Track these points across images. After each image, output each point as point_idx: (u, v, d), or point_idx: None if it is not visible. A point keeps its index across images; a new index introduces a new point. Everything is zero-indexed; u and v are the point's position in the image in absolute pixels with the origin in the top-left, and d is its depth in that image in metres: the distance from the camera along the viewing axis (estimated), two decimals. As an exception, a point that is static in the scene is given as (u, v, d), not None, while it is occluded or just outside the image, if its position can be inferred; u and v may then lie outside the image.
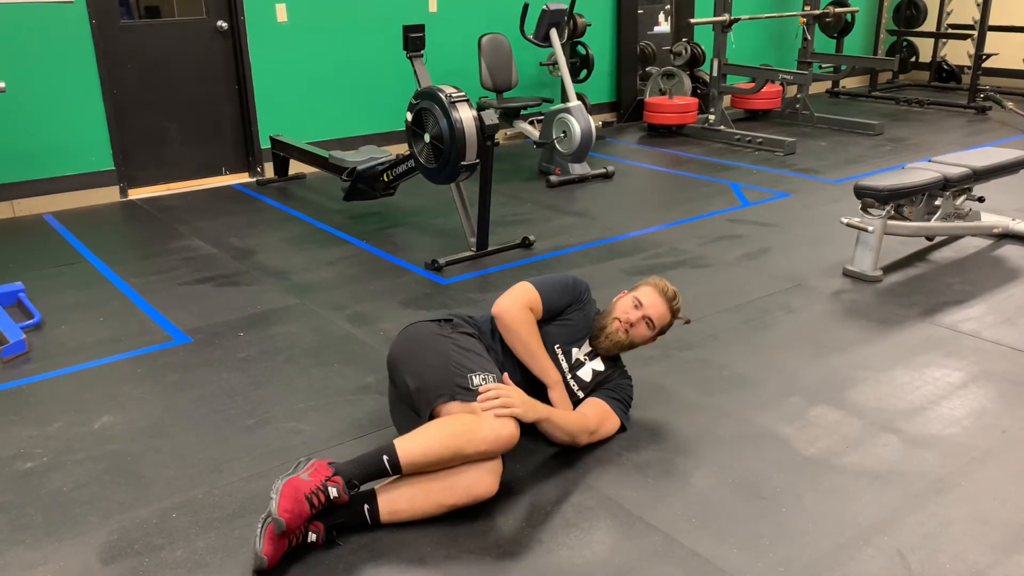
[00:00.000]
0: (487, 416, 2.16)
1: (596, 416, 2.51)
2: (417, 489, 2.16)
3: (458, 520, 2.18)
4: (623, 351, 2.63)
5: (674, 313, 2.62)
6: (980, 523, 2.17)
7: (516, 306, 2.48)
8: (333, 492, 2.05)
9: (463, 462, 2.14)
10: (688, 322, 2.74)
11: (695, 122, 7.28)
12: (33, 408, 2.87)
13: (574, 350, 2.59)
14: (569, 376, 2.57)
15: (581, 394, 2.59)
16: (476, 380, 2.28)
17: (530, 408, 2.27)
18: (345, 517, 2.12)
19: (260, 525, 2.00)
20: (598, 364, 2.62)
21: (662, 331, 2.64)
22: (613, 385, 2.62)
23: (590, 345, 2.62)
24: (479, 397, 2.21)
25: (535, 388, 2.47)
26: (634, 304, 2.58)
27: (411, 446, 2.13)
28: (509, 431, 2.16)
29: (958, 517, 2.20)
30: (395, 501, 2.16)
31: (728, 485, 2.35)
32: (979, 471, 2.40)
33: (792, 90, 7.97)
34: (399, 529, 2.16)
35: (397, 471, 2.13)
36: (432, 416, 2.25)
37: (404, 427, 2.41)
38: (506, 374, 2.38)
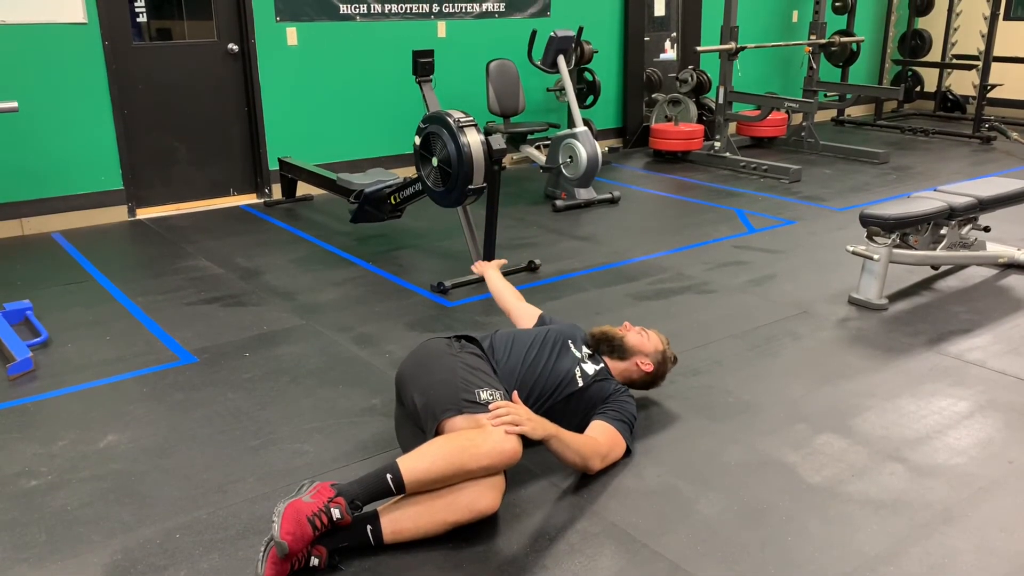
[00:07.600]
0: (491, 430, 2.16)
1: (607, 441, 2.51)
2: (421, 508, 2.15)
3: (462, 544, 2.18)
4: (613, 354, 2.73)
5: (665, 355, 2.80)
6: (987, 554, 2.16)
7: None
8: (336, 513, 2.04)
9: (467, 478, 2.14)
10: (675, 360, 2.90)
11: (701, 149, 7.31)
12: (38, 426, 2.87)
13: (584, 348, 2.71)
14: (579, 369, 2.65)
15: (581, 382, 2.60)
16: (483, 395, 2.29)
17: (538, 425, 2.27)
18: (348, 539, 2.11)
19: (263, 548, 2.00)
20: (589, 367, 2.66)
21: (655, 378, 2.80)
22: (616, 405, 2.61)
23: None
24: (489, 414, 2.21)
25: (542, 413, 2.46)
26: (639, 331, 2.83)
27: (414, 464, 2.12)
28: (512, 446, 2.16)
29: (965, 548, 2.18)
30: (398, 520, 2.15)
31: (733, 512, 2.34)
32: (986, 501, 2.39)
33: (798, 118, 8.02)
34: (402, 553, 2.15)
35: (401, 490, 2.12)
36: (438, 432, 2.24)
37: (410, 446, 2.39)
38: (515, 392, 2.38)
